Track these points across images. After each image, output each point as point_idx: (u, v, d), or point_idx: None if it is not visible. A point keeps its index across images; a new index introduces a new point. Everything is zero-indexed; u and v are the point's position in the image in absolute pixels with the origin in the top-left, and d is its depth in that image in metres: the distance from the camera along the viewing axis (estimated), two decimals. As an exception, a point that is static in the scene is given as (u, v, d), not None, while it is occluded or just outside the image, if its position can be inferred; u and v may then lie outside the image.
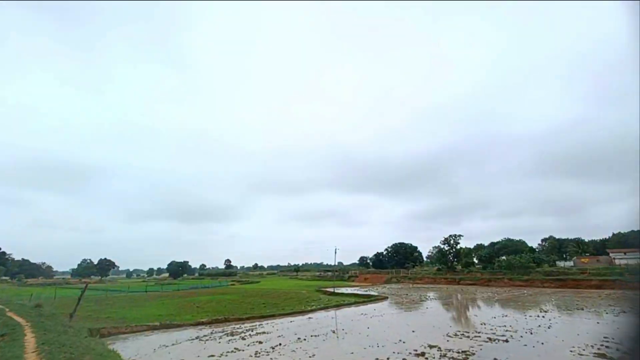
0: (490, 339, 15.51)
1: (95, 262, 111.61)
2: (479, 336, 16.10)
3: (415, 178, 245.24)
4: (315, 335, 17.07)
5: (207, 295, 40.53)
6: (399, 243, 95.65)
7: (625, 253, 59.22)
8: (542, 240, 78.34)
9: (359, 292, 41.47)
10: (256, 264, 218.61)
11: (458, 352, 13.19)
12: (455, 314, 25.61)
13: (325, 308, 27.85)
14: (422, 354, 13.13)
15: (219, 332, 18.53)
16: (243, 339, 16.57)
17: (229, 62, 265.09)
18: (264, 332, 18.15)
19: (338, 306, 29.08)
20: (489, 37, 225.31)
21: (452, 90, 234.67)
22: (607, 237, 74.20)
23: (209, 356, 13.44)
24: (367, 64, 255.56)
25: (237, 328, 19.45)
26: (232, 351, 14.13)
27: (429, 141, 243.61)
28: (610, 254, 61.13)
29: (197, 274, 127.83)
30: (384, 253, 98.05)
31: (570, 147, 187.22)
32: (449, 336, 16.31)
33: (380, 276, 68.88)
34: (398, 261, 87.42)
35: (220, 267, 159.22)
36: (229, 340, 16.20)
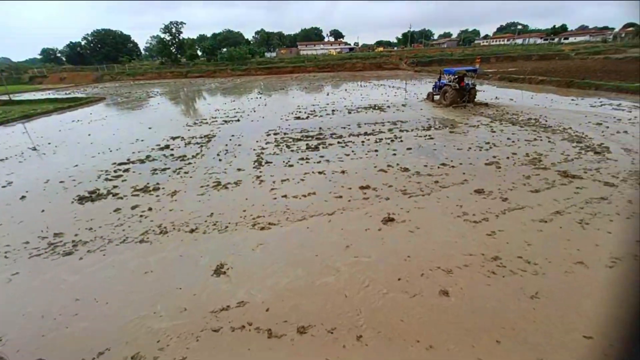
0: (225, 121, 17.26)
1: None
2: (216, 121, 17.45)
3: None
4: (0, 160, 11.76)
5: None
6: (103, 30, 73.64)
7: (306, 45, 79.04)
8: (256, 33, 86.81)
9: (58, 97, 31.09)
10: None
11: (201, 137, 13.82)
12: (189, 106, 25.83)
13: (2, 124, 19.08)
14: (167, 146, 12.62)
15: None
16: None
17: None
18: None
19: (28, 117, 20.78)
20: None
21: None
22: (298, 32, 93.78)
23: None
24: None
25: None
26: None
27: None
28: (299, 46, 79.48)
29: None
30: (84, 44, 73.90)
31: None
32: (189, 126, 16.52)
33: (86, 74, 53.91)
34: (107, 54, 69.88)
35: None
36: None
